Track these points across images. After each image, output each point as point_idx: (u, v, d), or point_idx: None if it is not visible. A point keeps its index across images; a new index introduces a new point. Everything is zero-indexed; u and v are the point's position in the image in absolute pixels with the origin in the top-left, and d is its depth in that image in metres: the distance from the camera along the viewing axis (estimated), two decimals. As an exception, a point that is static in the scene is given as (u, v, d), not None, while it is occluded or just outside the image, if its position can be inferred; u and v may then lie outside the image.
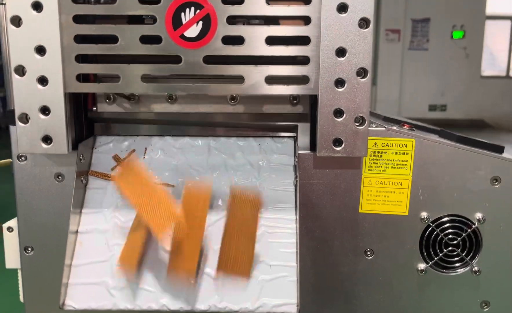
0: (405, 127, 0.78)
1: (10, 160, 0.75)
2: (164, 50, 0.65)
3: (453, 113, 9.96)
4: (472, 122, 9.83)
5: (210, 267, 0.70)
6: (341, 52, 0.64)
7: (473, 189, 0.71)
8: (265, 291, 0.68)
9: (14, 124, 0.69)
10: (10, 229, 0.80)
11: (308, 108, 0.74)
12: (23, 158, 0.72)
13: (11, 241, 0.79)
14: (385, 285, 0.74)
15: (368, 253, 0.73)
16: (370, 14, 0.63)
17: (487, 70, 9.08)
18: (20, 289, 0.78)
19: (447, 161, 0.71)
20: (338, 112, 0.66)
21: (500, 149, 0.75)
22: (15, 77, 0.65)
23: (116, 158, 0.75)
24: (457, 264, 0.73)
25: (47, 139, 0.67)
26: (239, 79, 0.66)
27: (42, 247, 0.74)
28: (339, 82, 0.65)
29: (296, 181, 0.72)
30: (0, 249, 0.79)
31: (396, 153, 0.71)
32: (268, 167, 0.75)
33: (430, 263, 0.73)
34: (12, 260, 0.79)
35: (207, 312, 0.68)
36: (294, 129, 0.76)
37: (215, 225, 0.71)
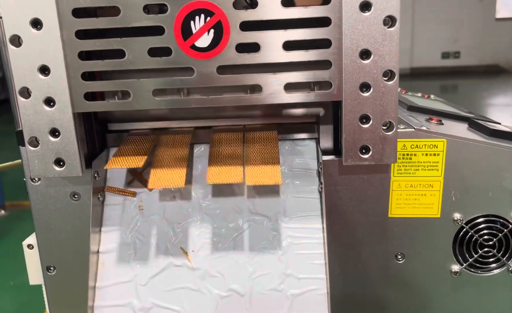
0: (434, 121, 0.73)
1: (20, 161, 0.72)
2: (174, 62, 0.61)
3: (467, 60, 9.74)
4: (487, 68, 9.62)
5: (237, 283, 0.67)
6: (365, 54, 0.59)
7: (509, 187, 0.67)
8: (295, 305, 0.66)
9: (23, 145, 0.66)
10: (30, 246, 0.78)
11: (330, 109, 0.70)
12: (36, 179, 0.69)
13: (32, 258, 0.77)
14: (418, 289, 0.72)
15: (399, 257, 0.70)
16: (396, 11, 0.58)
17: (501, 11, 8.79)
18: (46, 304, 0.78)
19: (480, 160, 0.66)
20: (364, 118, 0.62)
21: (537, 141, 0.70)
22: (21, 99, 0.62)
23: (132, 171, 0.72)
24: (493, 265, 0.70)
25: (59, 162, 0.64)
26: (257, 88, 0.62)
27: (64, 266, 0.73)
28: (364, 86, 0.61)
29: (321, 188, 0.68)
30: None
31: (426, 154, 0.66)
32: (290, 173, 0.71)
33: (465, 265, 0.70)
34: (35, 277, 0.78)
35: (236, 329, 0.66)
36: (315, 130, 0.72)
37: (239, 237, 0.69)
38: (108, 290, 0.68)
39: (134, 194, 0.72)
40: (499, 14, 8.75)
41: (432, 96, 1.20)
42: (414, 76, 9.47)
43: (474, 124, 0.75)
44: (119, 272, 0.69)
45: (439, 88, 8.53)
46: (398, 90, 1.16)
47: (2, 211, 3.34)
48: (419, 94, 1.17)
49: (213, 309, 0.67)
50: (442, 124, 0.73)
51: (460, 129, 0.72)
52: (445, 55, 9.70)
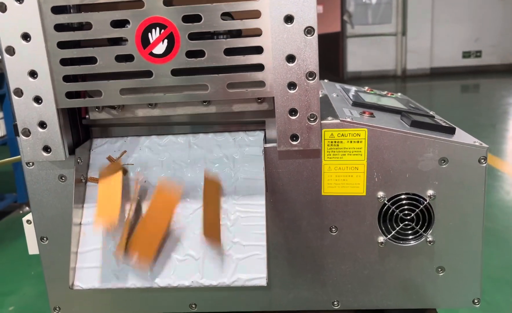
0: (366, 114, 0.85)
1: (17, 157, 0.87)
2: (136, 66, 0.75)
3: (488, 59, 9.67)
4: (508, 67, 9.52)
5: (192, 249, 0.81)
6: (291, 58, 0.72)
7: (423, 169, 0.78)
8: (240, 267, 0.79)
9: (18, 135, 0.80)
10: (29, 221, 0.93)
11: (273, 105, 0.82)
12: (30, 164, 0.84)
13: (31, 232, 0.92)
14: (350, 257, 0.84)
15: (333, 229, 0.83)
16: (314, 23, 0.70)
17: (523, 8, 8.68)
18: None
19: (397, 146, 0.78)
20: (293, 111, 0.74)
21: (452, 130, 0.82)
22: (15, 98, 0.77)
23: (110, 158, 0.86)
24: (412, 236, 0.82)
25: (47, 149, 0.79)
26: (204, 87, 0.75)
27: (55, 237, 0.87)
28: (292, 85, 0.73)
29: (264, 170, 0.81)
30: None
31: (351, 141, 0.79)
32: (241, 159, 0.84)
33: (388, 236, 0.82)
34: (33, 247, 0.93)
35: (191, 287, 0.79)
36: (262, 124, 0.84)
37: (196, 213, 0.82)
38: (87, 255, 0.82)
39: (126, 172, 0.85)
40: (521, 12, 8.64)
41: (399, 94, 1.31)
42: (434, 76, 9.45)
43: (403, 116, 0.87)
44: (97, 240, 0.83)
45: (460, 88, 8.52)
46: (365, 89, 1.28)
47: (27, 208, 3.56)
48: (385, 92, 1.28)
49: (172, 270, 0.80)
50: (374, 117, 0.85)
51: (388, 120, 0.84)
52: (466, 55, 9.65)
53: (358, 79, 9.34)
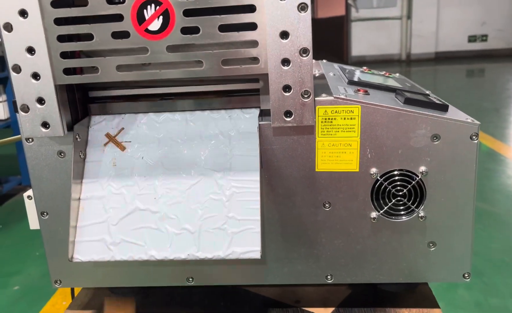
0: (361, 91, 0.86)
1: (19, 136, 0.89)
2: (132, 43, 0.76)
3: (494, 43, 9.59)
4: (514, 51, 9.43)
5: (188, 223, 0.82)
6: (284, 34, 0.73)
7: (416, 146, 0.79)
8: (234, 241, 0.81)
9: (17, 112, 0.82)
10: (29, 197, 0.95)
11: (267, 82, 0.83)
12: (30, 140, 0.86)
13: (31, 207, 0.94)
14: (343, 232, 0.85)
15: (326, 205, 0.84)
16: (307, -1, 0.71)
17: (531, -9, 8.60)
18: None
19: (390, 123, 0.79)
20: (287, 88, 0.75)
21: (445, 108, 0.82)
22: (13, 74, 0.78)
23: (108, 135, 0.87)
24: (404, 212, 0.83)
25: (45, 125, 0.80)
26: (199, 63, 0.76)
27: (54, 212, 0.89)
28: (285, 61, 0.74)
29: (258, 147, 0.82)
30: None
31: (344, 118, 0.79)
32: (237, 136, 0.85)
33: (381, 212, 0.83)
34: (34, 222, 0.95)
35: (186, 259, 0.81)
36: (257, 101, 0.85)
37: (192, 188, 0.84)
38: (86, 229, 0.84)
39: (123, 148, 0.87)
40: (529, -5, 8.54)
41: (397, 74, 1.32)
42: (439, 61, 9.39)
43: (398, 94, 0.88)
44: (96, 215, 0.85)
45: (465, 72, 8.46)
46: (364, 69, 1.28)
47: (31, 190, 3.59)
48: (383, 73, 1.29)
49: (169, 243, 0.82)
50: (368, 94, 0.85)
51: (382, 98, 0.85)
52: (472, 39, 9.57)
53: (363, 63, 9.29)
